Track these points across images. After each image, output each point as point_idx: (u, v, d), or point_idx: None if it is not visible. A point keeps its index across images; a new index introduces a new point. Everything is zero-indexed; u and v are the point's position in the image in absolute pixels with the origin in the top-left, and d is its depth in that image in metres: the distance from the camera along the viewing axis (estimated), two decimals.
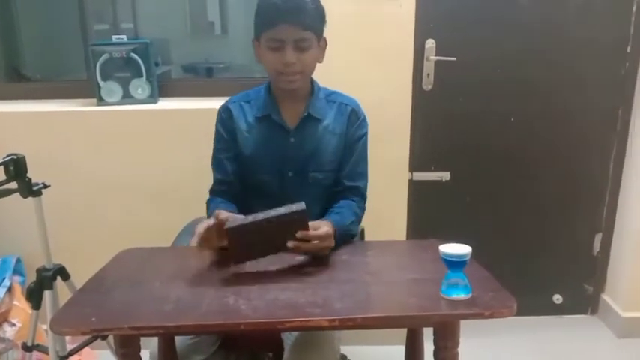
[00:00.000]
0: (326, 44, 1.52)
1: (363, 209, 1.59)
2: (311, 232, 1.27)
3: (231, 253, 1.27)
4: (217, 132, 1.59)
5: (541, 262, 2.49)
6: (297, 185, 1.53)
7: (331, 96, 1.59)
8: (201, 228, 1.28)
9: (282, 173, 1.54)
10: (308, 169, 1.54)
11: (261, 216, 1.25)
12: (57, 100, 2.24)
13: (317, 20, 1.44)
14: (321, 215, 1.52)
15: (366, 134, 1.60)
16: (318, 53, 1.49)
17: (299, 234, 1.25)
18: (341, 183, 1.56)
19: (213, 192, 1.59)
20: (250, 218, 1.26)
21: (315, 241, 1.29)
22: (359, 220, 1.57)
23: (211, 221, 1.29)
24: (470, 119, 2.31)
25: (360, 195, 1.59)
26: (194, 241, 1.28)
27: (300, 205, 1.25)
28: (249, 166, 1.55)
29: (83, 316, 1.09)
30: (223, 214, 1.30)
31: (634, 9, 2.21)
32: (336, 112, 1.56)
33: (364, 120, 1.59)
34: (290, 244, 1.26)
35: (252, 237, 1.24)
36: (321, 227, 1.31)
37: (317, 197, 1.55)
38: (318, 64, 1.51)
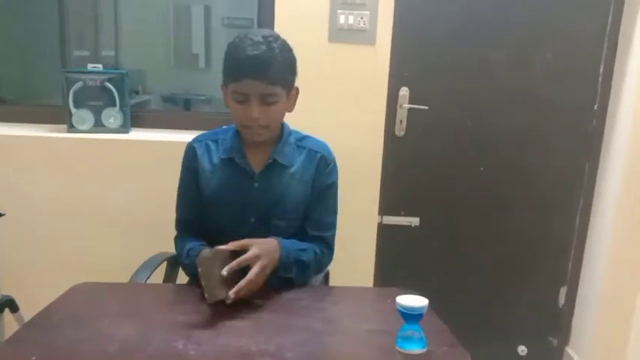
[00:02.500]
0: (297, 93, 1.49)
1: (326, 256, 1.54)
2: (234, 262, 1.25)
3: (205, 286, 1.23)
4: (182, 170, 1.56)
5: (507, 312, 2.49)
6: (259, 232, 1.46)
7: (302, 141, 1.54)
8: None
9: (244, 218, 1.49)
10: (271, 215, 1.49)
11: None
12: (28, 124, 2.21)
13: (285, 73, 1.40)
14: None
15: (335, 182, 1.56)
16: (286, 105, 1.45)
17: (224, 270, 1.22)
18: (305, 232, 1.52)
19: (181, 231, 1.56)
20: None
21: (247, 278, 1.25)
22: (317, 260, 1.51)
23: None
24: (440, 166, 2.34)
25: (326, 244, 1.54)
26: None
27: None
28: (210, 208, 1.51)
29: (25, 353, 1.05)
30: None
31: (601, 68, 2.28)
32: (304, 159, 1.51)
33: (334, 167, 1.55)
34: (232, 295, 1.22)
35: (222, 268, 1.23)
36: (249, 250, 1.29)
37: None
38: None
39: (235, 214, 1.48)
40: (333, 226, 1.56)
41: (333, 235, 1.56)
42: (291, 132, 1.55)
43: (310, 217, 1.52)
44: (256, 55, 1.32)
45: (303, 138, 1.55)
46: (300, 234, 1.53)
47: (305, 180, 1.51)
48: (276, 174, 1.49)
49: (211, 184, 1.50)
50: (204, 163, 1.51)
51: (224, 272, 1.22)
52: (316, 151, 1.53)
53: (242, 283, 1.24)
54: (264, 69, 1.33)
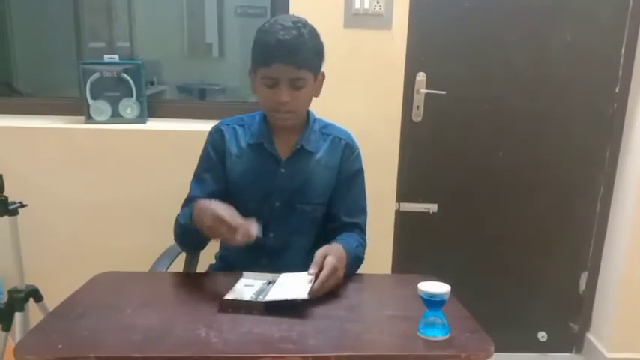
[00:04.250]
0: (323, 78, 1.51)
1: (365, 242, 1.55)
2: (322, 275, 1.23)
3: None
4: (205, 152, 1.56)
5: (527, 298, 2.48)
6: (283, 216, 1.50)
7: (326, 128, 1.56)
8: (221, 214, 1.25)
9: (269, 203, 1.51)
10: (296, 200, 1.51)
11: (259, 294, 1.24)
12: (46, 116, 2.22)
13: (314, 58, 1.41)
14: (305, 246, 1.51)
15: (362, 169, 1.58)
16: (314, 89, 1.47)
17: (308, 294, 1.20)
18: (339, 219, 1.53)
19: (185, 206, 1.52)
20: (247, 294, 1.24)
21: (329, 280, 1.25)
22: (363, 247, 1.53)
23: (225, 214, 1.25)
24: (458, 152, 2.32)
25: (361, 230, 1.55)
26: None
27: (303, 294, 1.20)
28: (235, 192, 1.51)
29: (50, 342, 1.06)
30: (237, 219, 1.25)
31: (623, 50, 2.23)
32: (329, 145, 1.53)
33: (358, 154, 1.57)
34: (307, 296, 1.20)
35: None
36: (327, 262, 1.27)
37: (301, 228, 1.53)
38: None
39: (260, 199, 1.50)
40: (365, 211, 1.57)
41: (365, 221, 1.57)
42: (315, 119, 1.56)
43: (342, 204, 1.53)
44: (287, 40, 1.34)
45: (327, 125, 1.57)
46: (331, 221, 1.54)
47: (330, 167, 1.52)
48: (302, 160, 1.51)
49: (238, 168, 1.51)
50: (232, 147, 1.52)
51: (308, 296, 1.19)
52: (341, 139, 1.55)
53: (316, 285, 1.23)
54: (293, 54, 1.35)
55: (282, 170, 1.50)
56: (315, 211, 1.53)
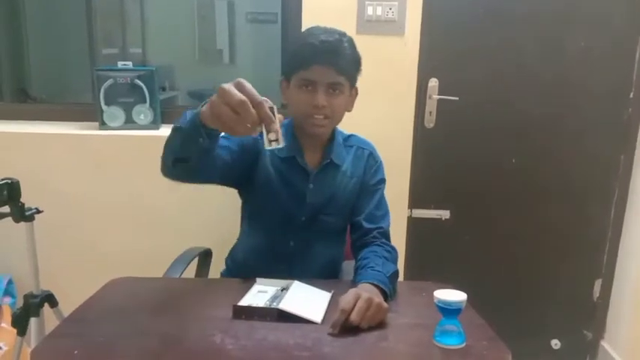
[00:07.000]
0: (357, 93, 1.48)
1: (392, 249, 1.50)
2: (355, 318, 1.12)
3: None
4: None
5: (540, 305, 2.45)
6: (306, 225, 1.48)
7: (348, 140, 1.54)
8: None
9: (294, 217, 1.48)
10: (321, 213, 1.48)
11: (273, 300, 1.24)
12: (60, 122, 2.25)
13: (352, 66, 1.40)
14: (325, 253, 1.51)
15: (384, 180, 1.56)
16: (348, 101, 1.44)
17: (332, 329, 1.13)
18: (360, 226, 1.50)
19: None
20: (261, 300, 1.24)
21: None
22: (392, 255, 1.47)
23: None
24: (471, 158, 2.31)
25: (382, 234, 1.50)
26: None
27: (318, 317, 1.18)
28: (262, 198, 1.47)
29: (66, 348, 1.06)
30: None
31: (637, 55, 2.22)
32: (353, 157, 1.52)
33: (381, 164, 1.56)
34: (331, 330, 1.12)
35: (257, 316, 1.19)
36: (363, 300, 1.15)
37: (323, 237, 1.52)
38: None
39: (287, 214, 1.47)
40: (387, 216, 1.54)
41: (388, 225, 1.54)
42: (338, 131, 1.54)
43: (364, 212, 1.50)
44: (330, 42, 1.33)
45: (349, 136, 1.55)
46: (354, 229, 1.52)
47: (354, 177, 1.51)
48: (330, 174, 1.48)
49: (270, 176, 1.44)
50: (265, 154, 1.44)
51: (333, 330, 1.12)
52: (364, 149, 1.54)
53: (353, 315, 1.12)
54: (335, 56, 1.33)
55: (311, 185, 1.46)
56: (336, 222, 1.52)
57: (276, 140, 1.03)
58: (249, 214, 1.56)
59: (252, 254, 1.53)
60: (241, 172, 1.42)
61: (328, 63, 1.33)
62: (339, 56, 1.34)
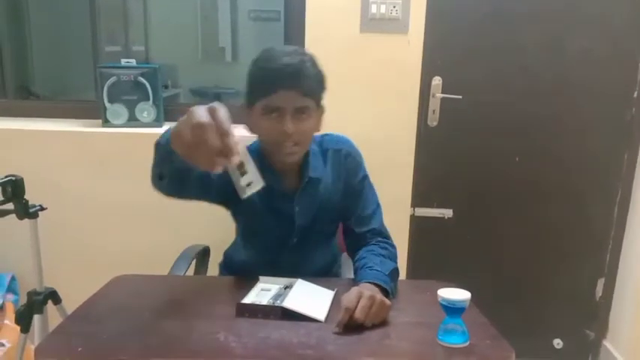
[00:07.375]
0: (323, 112, 1.39)
1: (390, 245, 1.47)
2: (359, 316, 1.12)
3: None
4: None
5: (542, 305, 2.45)
6: (298, 244, 1.47)
7: (322, 144, 1.45)
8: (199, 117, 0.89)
9: (285, 242, 1.46)
10: (312, 230, 1.46)
11: (276, 298, 1.24)
12: (63, 119, 2.25)
13: (317, 87, 1.32)
14: (324, 255, 1.50)
15: (366, 175, 1.49)
16: (316, 123, 1.36)
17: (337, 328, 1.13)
18: (352, 231, 1.48)
19: None
20: (264, 298, 1.24)
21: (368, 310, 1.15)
22: (390, 251, 1.45)
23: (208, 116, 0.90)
24: (474, 157, 2.30)
25: (376, 233, 1.48)
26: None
27: (321, 315, 1.18)
28: (250, 224, 1.47)
29: (69, 345, 1.07)
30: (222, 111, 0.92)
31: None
32: (331, 163, 1.45)
33: (361, 159, 1.48)
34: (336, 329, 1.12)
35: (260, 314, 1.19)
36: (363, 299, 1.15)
37: (318, 244, 1.51)
38: None
39: (277, 238, 1.46)
40: (376, 213, 1.49)
41: (381, 221, 1.50)
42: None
43: (352, 216, 1.47)
44: (293, 65, 1.26)
45: (322, 138, 1.47)
46: (347, 234, 1.51)
47: (338, 182, 1.46)
48: (312, 191, 1.42)
49: (254, 207, 1.39)
50: None
51: (338, 330, 1.13)
52: (340, 150, 1.46)
53: (357, 313, 1.13)
54: (299, 79, 1.26)
55: (297, 209, 1.42)
56: (329, 228, 1.52)
57: (252, 183, 0.96)
58: (242, 232, 1.55)
59: (248, 265, 1.51)
60: (226, 197, 1.33)
61: (293, 87, 1.26)
62: (303, 78, 1.26)
